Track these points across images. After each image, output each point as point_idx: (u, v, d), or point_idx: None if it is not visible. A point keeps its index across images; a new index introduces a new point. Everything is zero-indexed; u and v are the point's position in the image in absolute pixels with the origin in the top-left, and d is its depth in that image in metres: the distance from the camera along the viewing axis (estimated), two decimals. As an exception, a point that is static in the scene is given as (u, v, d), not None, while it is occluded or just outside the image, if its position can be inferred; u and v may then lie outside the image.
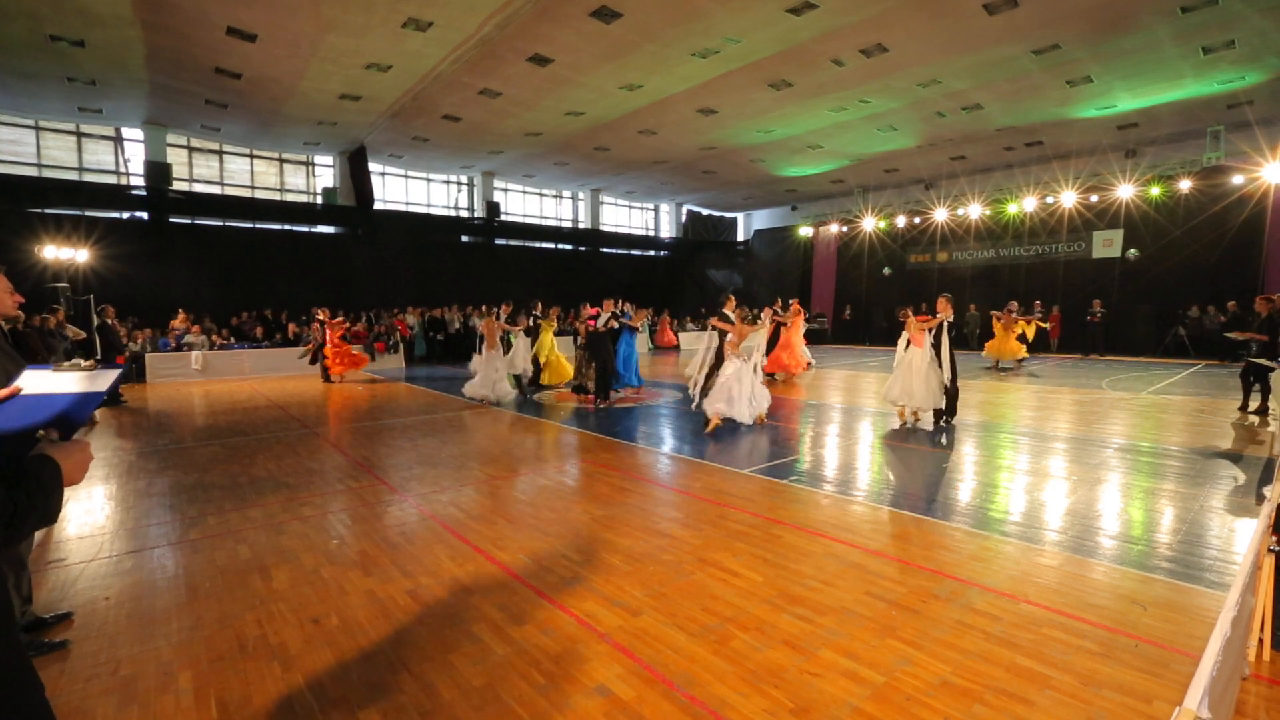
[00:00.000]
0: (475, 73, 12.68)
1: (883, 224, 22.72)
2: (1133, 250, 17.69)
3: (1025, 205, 18.78)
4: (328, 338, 13.37)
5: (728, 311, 7.97)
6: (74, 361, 1.35)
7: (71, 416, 1.26)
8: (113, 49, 11.24)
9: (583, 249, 25.44)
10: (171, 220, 16.45)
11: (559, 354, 11.62)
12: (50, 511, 1.17)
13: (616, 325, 9.84)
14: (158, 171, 15.99)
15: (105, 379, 1.32)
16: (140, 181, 16.16)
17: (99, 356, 11.01)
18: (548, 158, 19.57)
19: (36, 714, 1.21)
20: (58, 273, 13.22)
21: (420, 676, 2.60)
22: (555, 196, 25.41)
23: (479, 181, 22.32)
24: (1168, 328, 16.80)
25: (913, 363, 7.65)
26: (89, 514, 4.78)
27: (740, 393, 7.48)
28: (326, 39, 10.94)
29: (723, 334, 7.91)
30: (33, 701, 1.21)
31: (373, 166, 19.36)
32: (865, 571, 3.56)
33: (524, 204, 24.48)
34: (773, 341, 12.20)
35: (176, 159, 16.91)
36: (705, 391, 7.97)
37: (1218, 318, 15.71)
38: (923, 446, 6.79)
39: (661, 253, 28.34)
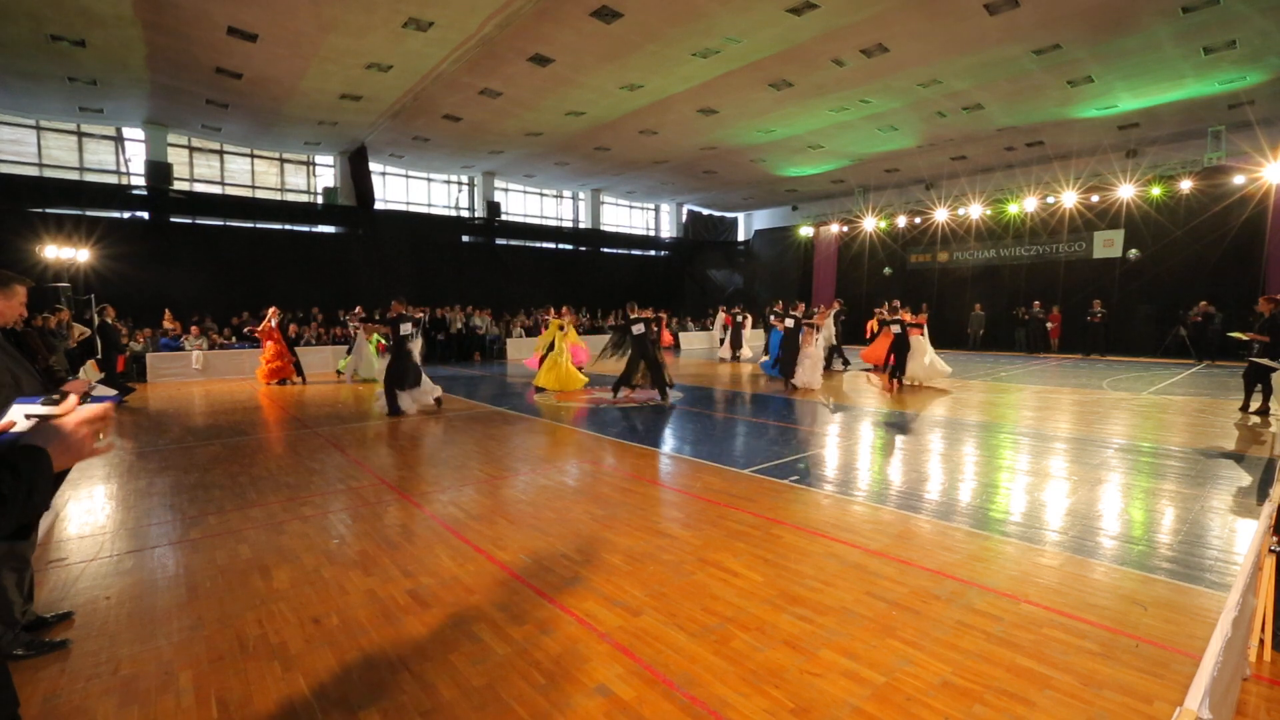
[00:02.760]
0: (476, 73, 12.69)
1: (883, 224, 22.71)
2: (1134, 250, 17.68)
3: (1026, 205, 18.77)
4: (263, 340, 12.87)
5: (797, 313, 11.49)
6: (61, 395, 1.29)
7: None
8: (113, 49, 11.25)
9: (583, 249, 25.45)
10: (172, 220, 16.48)
11: (567, 359, 11.37)
12: (35, 504, 1.10)
13: (644, 329, 9.93)
14: (158, 171, 16.01)
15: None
16: (141, 181, 16.18)
17: (100, 356, 11.01)
18: (548, 158, 19.58)
19: None
20: (59, 272, 13.25)
21: (420, 676, 2.60)
22: (556, 196, 25.43)
23: (479, 181, 22.34)
24: (1168, 328, 16.79)
25: (922, 347, 11.65)
26: (90, 514, 4.79)
27: (815, 369, 11.18)
28: (327, 39, 10.95)
29: (802, 328, 11.18)
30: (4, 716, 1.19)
31: (373, 166, 19.37)
32: (865, 571, 3.56)
33: (524, 204, 24.49)
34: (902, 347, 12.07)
35: (177, 159, 16.93)
36: (791, 372, 11.20)
37: (1194, 318, 15.72)
38: (921, 442, 6.79)
39: (662, 253, 28.35)
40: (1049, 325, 18.65)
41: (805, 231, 25.26)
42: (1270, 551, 2.52)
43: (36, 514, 1.13)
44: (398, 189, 21.37)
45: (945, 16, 10.35)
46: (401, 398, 8.93)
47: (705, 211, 29.26)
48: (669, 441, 7.27)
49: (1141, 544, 3.95)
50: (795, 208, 27.25)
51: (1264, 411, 8.20)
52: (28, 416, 1.18)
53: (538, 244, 24.11)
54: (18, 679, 2.57)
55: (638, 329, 9.81)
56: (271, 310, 13.07)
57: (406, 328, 8.83)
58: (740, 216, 30.29)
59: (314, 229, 19.14)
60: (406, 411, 8.92)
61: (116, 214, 15.65)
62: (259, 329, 13.04)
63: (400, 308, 8.94)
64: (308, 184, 19.67)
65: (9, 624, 2.72)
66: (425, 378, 9.11)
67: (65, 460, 1.16)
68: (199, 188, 17.69)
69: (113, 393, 1.40)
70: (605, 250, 26.22)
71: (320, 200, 19.35)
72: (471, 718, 2.34)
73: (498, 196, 22.93)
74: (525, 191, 24.43)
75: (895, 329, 11.45)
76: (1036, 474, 5.64)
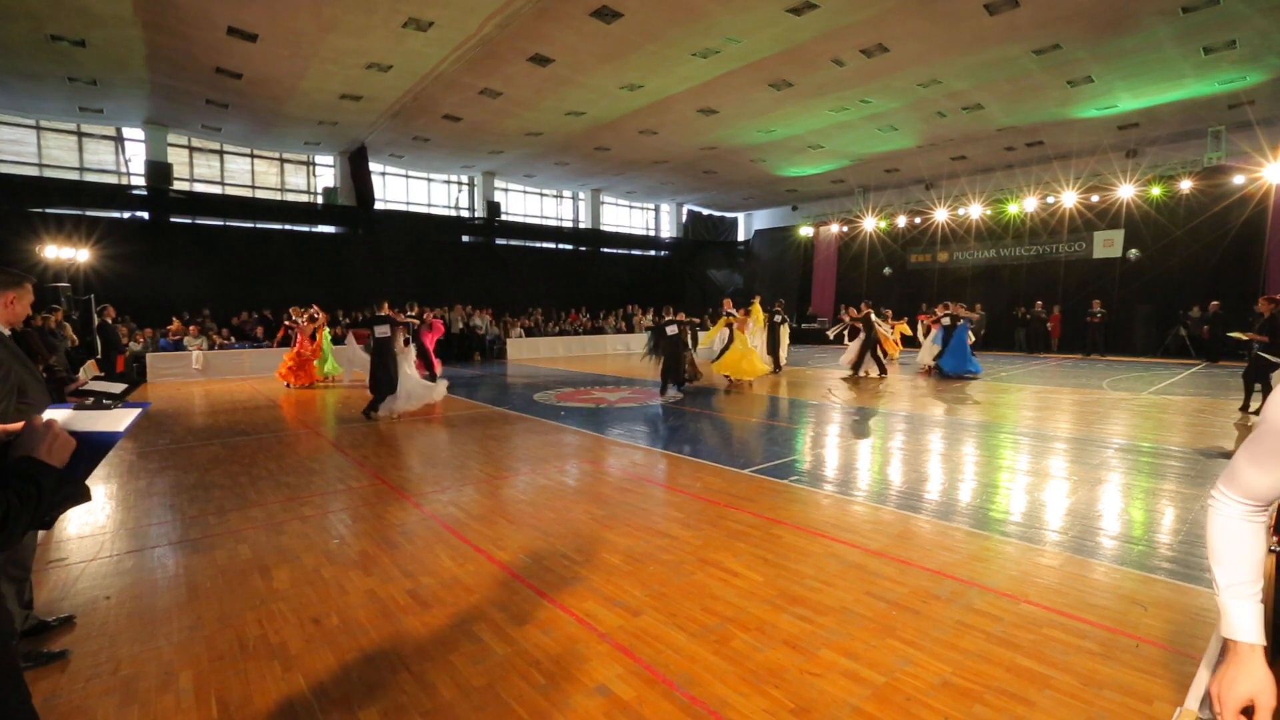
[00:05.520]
0: (476, 73, 12.69)
1: (883, 224, 22.71)
2: (1133, 250, 17.68)
3: (1026, 205, 18.77)
4: (298, 340, 12.61)
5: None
6: (96, 399, 1.39)
7: (100, 453, 1.33)
8: (113, 49, 11.25)
9: (583, 249, 25.45)
10: (172, 220, 16.48)
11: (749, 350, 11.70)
12: (46, 504, 1.18)
13: (677, 330, 10.43)
14: (158, 171, 16.01)
15: (125, 418, 1.36)
16: (141, 181, 16.18)
17: (100, 356, 11.01)
18: (548, 157, 19.58)
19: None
20: (58, 272, 13.25)
21: (420, 676, 2.60)
22: (556, 196, 25.42)
23: (479, 181, 22.34)
24: (1168, 328, 16.79)
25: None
26: (89, 514, 4.78)
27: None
28: (327, 39, 10.95)
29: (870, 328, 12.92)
30: (20, 710, 1.23)
31: (373, 166, 19.37)
32: (865, 571, 3.56)
33: (524, 204, 24.49)
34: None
35: (177, 159, 16.93)
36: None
37: (1201, 329, 15.72)
38: (921, 442, 6.79)
39: (662, 253, 28.34)
40: (1049, 325, 18.66)
41: (805, 231, 25.26)
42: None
43: (65, 506, 1.24)
44: (398, 189, 21.36)
45: (945, 16, 10.35)
46: (381, 404, 8.64)
47: (705, 211, 29.26)
48: (669, 441, 7.27)
49: (1141, 544, 3.95)
50: (795, 208, 27.25)
51: (1264, 411, 8.17)
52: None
53: (538, 244, 24.11)
54: (18, 679, 2.58)
55: (671, 330, 10.38)
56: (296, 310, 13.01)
57: (382, 330, 8.53)
58: (740, 216, 30.29)
59: (314, 229, 19.13)
60: (379, 417, 8.62)
61: (116, 214, 15.64)
62: (309, 327, 12.72)
63: (395, 313, 8.76)
64: (308, 184, 19.67)
65: (8, 634, 2.70)
66: (408, 388, 8.70)
67: (56, 455, 1.23)
68: (199, 188, 17.69)
69: (141, 405, 1.48)
70: (605, 250, 26.22)
71: (320, 200, 19.35)
72: (471, 718, 2.34)
73: (498, 196, 22.93)
74: (525, 191, 24.42)
75: (946, 321, 13.05)
76: (1036, 474, 5.64)
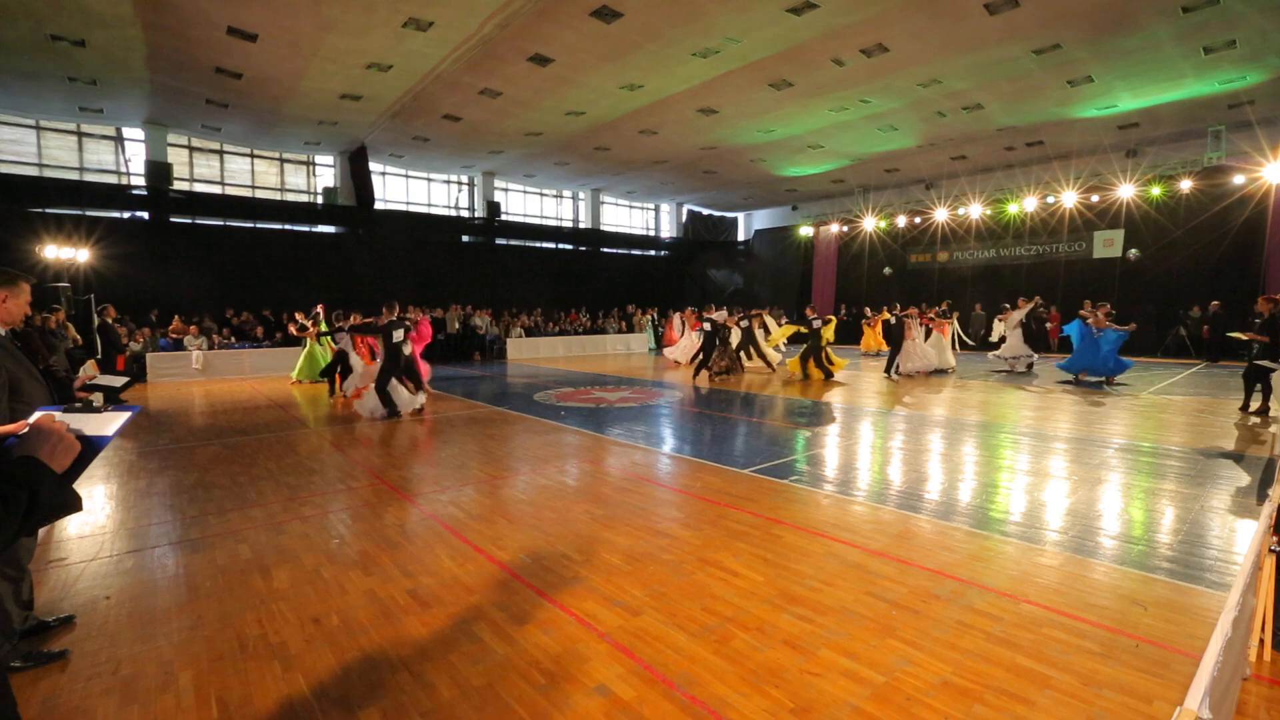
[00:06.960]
0: (476, 73, 12.69)
1: (883, 224, 22.70)
2: (1134, 250, 17.68)
3: (1026, 205, 18.75)
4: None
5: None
6: (85, 403, 1.36)
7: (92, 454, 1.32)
8: (113, 49, 11.24)
9: (583, 249, 25.45)
10: (172, 220, 16.47)
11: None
12: (42, 508, 1.13)
13: (709, 327, 12.99)
14: (158, 171, 16.00)
15: (115, 421, 1.34)
16: (141, 181, 16.17)
17: (100, 356, 11.01)
18: (548, 157, 19.57)
19: None
20: (58, 272, 13.25)
21: (420, 676, 2.60)
22: (556, 196, 25.42)
23: (479, 181, 22.33)
24: (1168, 328, 16.79)
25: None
26: (89, 513, 4.78)
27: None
28: (327, 39, 10.95)
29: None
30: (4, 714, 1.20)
31: (373, 166, 19.36)
32: (865, 571, 3.56)
33: (524, 204, 24.49)
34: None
35: (177, 159, 16.92)
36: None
37: (1201, 328, 15.70)
38: (921, 442, 6.79)
39: (662, 253, 28.34)
40: (1048, 325, 18.64)
41: (805, 231, 25.25)
42: (1270, 551, 2.52)
43: (57, 515, 1.19)
44: (398, 189, 21.36)
45: (945, 16, 10.35)
46: (398, 399, 8.78)
47: (705, 211, 29.25)
48: (669, 441, 7.27)
49: (1141, 544, 3.95)
50: (795, 208, 27.24)
51: (1264, 411, 8.20)
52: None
53: (538, 244, 24.10)
54: (18, 679, 2.58)
55: (706, 326, 12.99)
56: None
57: (398, 335, 8.66)
58: (740, 216, 30.28)
59: (314, 229, 19.13)
60: (403, 412, 8.81)
61: (116, 214, 15.64)
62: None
63: (390, 314, 8.85)
64: (308, 184, 19.67)
65: (7, 635, 2.69)
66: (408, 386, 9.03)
67: (59, 459, 1.20)
68: (199, 188, 17.67)
69: (131, 408, 1.46)
70: (605, 250, 26.21)
71: (320, 200, 19.35)
72: (471, 718, 2.34)
73: (498, 196, 22.93)
74: (525, 191, 24.42)
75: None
76: (1036, 474, 5.64)
